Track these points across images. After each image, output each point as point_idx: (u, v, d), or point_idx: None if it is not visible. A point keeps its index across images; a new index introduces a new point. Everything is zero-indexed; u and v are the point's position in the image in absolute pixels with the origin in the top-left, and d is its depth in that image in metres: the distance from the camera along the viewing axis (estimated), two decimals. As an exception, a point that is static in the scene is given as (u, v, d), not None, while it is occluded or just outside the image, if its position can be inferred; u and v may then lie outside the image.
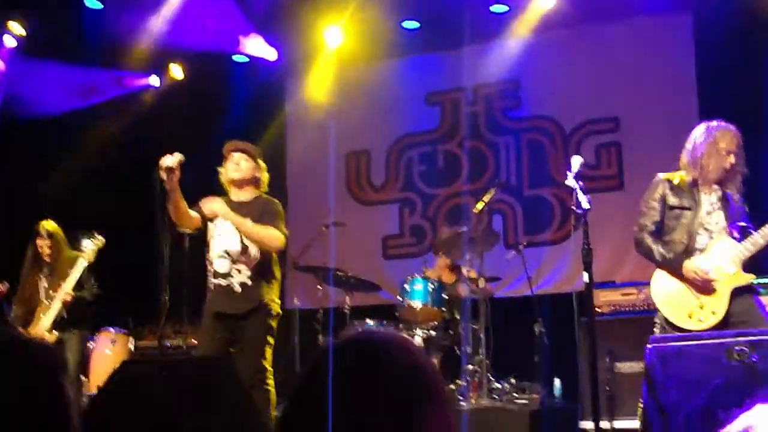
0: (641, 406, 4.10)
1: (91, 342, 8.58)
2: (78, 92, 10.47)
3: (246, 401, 3.75)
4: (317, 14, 9.97)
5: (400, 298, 8.13)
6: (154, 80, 11.20)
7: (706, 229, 5.27)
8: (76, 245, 7.61)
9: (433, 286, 8.06)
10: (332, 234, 8.74)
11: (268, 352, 5.79)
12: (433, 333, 8.07)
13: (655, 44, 9.61)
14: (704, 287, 5.13)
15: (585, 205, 4.52)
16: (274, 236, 5.81)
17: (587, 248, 4.39)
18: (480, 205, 7.98)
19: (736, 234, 5.22)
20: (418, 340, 8.01)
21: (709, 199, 5.33)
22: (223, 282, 5.78)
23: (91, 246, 7.38)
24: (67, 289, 7.26)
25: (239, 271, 5.77)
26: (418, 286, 8.07)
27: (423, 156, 10.71)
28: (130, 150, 9.87)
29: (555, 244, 9.67)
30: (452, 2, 9.67)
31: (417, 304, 8.02)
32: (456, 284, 8.56)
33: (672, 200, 5.34)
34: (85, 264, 7.35)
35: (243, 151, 6.06)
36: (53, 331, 7.31)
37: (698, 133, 5.41)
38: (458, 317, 8.25)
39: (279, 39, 10.62)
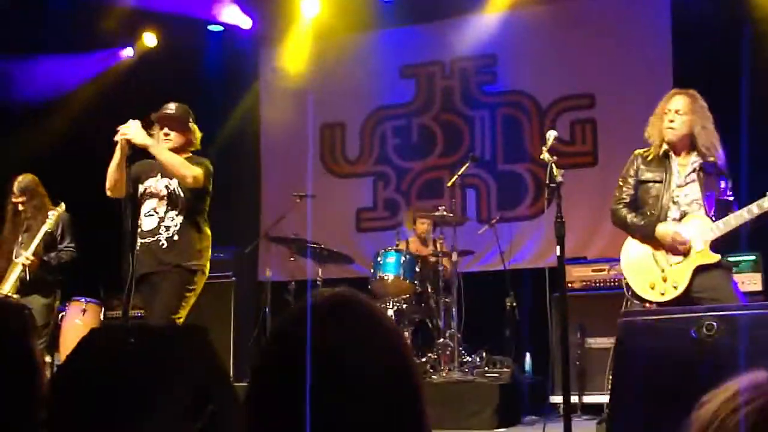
0: (610, 380, 4.11)
1: (62, 311, 8.53)
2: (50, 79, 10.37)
3: (213, 367, 3.73)
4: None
5: (372, 271, 8.13)
6: (127, 52, 11.10)
7: (675, 203, 5.24)
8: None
9: (405, 259, 8.05)
10: (309, 205, 8.70)
11: (182, 311, 5.62)
12: (404, 306, 8.08)
13: (632, 20, 9.61)
14: (676, 250, 5.14)
15: (558, 178, 4.51)
16: (187, 166, 5.62)
17: (560, 221, 4.38)
18: (453, 179, 7.99)
19: (708, 210, 5.21)
20: (389, 313, 8.01)
21: (683, 171, 5.28)
22: (149, 239, 5.66)
23: (52, 213, 7.12)
24: (27, 253, 6.96)
25: (167, 228, 5.65)
26: (391, 259, 8.07)
27: (397, 129, 10.67)
28: (101, 120, 9.75)
29: (528, 219, 9.67)
30: (430, -25, 9.64)
31: (389, 276, 8.03)
32: (428, 260, 8.56)
33: (644, 174, 5.33)
34: (45, 229, 7.05)
35: (171, 119, 5.87)
36: (14, 294, 6.94)
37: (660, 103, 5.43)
38: (430, 290, 8.25)
39: (254, 7, 10.54)
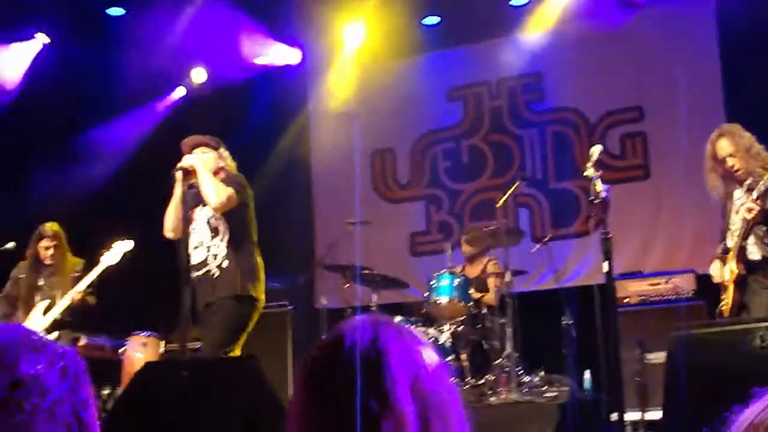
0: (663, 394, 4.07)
1: (123, 346, 8.67)
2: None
3: (264, 397, 3.77)
4: (336, 13, 9.99)
5: (427, 294, 8.12)
6: (180, 92, 11.26)
7: (729, 229, 5.58)
8: (98, 249, 7.57)
9: (458, 281, 8.03)
10: (367, 232, 8.74)
11: (235, 344, 5.62)
12: (460, 328, 8.05)
13: (678, 31, 9.54)
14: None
15: (602, 194, 4.50)
16: (220, 188, 5.65)
17: (606, 238, 4.36)
18: (502, 199, 7.97)
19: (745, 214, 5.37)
20: (445, 336, 8.00)
21: (737, 196, 5.54)
22: (200, 272, 5.69)
23: (116, 248, 7.25)
24: (79, 288, 7.07)
25: (215, 257, 5.70)
26: (444, 282, 8.05)
27: (447, 152, 10.69)
28: (154, 157, 9.92)
29: (582, 236, 9.59)
30: (471, -3, 9.67)
31: (443, 299, 8.01)
32: (483, 278, 8.53)
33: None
34: (107, 264, 7.18)
35: (202, 145, 5.94)
36: (52, 331, 7.02)
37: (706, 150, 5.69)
38: (485, 311, 8.22)
39: (299, 40, 10.66)
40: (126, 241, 7.34)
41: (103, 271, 7.24)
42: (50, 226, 7.46)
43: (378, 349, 1.36)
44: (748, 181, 5.45)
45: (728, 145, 5.46)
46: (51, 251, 7.38)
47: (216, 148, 5.94)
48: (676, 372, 3.77)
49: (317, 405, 1.38)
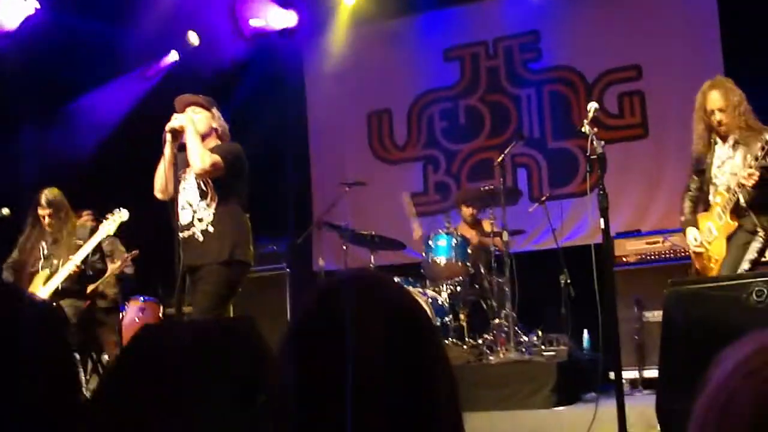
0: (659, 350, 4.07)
1: (122, 311, 8.68)
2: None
3: (262, 357, 3.76)
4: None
5: (424, 255, 8.12)
6: (173, 56, 11.18)
7: (713, 183, 5.54)
8: (98, 216, 7.54)
9: (456, 241, 8.03)
10: (365, 193, 8.75)
11: (224, 308, 5.58)
12: (458, 288, 8.06)
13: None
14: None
15: (599, 150, 4.47)
16: (205, 155, 5.52)
17: (603, 193, 4.33)
18: (500, 158, 7.93)
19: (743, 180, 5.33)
20: (444, 296, 8.01)
21: (723, 150, 5.53)
22: (186, 233, 5.61)
23: (113, 218, 7.20)
24: (77, 260, 6.99)
25: (200, 220, 5.62)
26: (442, 242, 8.05)
27: (444, 112, 10.64)
28: (148, 120, 9.86)
29: (580, 196, 9.54)
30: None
31: (441, 259, 8.01)
32: (479, 242, 8.52)
33: (698, 165, 5.70)
34: (105, 234, 7.16)
35: (195, 104, 5.81)
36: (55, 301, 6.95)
37: (697, 97, 5.65)
38: (483, 271, 8.22)
39: (294, 1, 10.56)
40: (122, 210, 7.27)
41: (101, 242, 7.20)
42: (46, 194, 7.29)
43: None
44: (730, 139, 5.48)
45: (719, 98, 5.44)
46: (47, 219, 7.26)
47: (209, 108, 5.84)
48: (671, 327, 3.76)
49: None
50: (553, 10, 10.06)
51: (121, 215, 7.25)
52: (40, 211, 7.26)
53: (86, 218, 8.41)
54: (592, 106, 4.99)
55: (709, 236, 5.54)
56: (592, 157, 4.55)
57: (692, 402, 1.13)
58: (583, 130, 4.79)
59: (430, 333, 1.44)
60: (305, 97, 11.22)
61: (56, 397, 1.43)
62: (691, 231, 5.68)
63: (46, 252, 7.23)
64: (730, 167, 5.44)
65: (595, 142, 4.51)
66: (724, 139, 5.50)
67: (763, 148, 5.14)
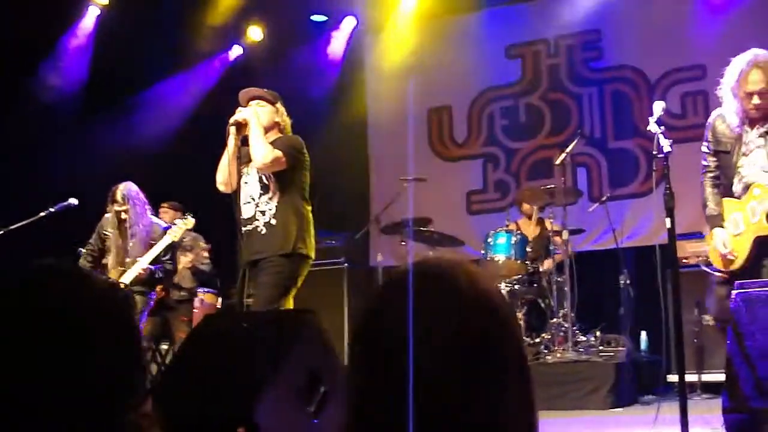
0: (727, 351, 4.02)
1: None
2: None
3: (324, 350, 3.79)
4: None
5: (484, 252, 8.10)
6: (236, 51, 11.31)
7: (739, 173, 5.13)
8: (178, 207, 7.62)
9: (516, 239, 8.00)
10: (424, 189, 8.74)
11: (284, 300, 5.60)
12: (516, 287, 8.04)
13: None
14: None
15: (667, 148, 4.41)
16: (268, 150, 5.55)
17: (669, 193, 4.28)
18: (561, 156, 7.89)
19: None
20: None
21: (752, 137, 5.12)
22: (249, 227, 5.65)
23: (179, 225, 7.30)
24: (144, 264, 7.09)
25: (263, 213, 5.65)
26: (501, 240, 8.03)
27: (505, 110, 10.61)
28: (211, 115, 9.98)
29: (641, 196, 9.47)
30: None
31: (500, 257, 7.99)
32: (540, 240, 8.48)
33: (716, 144, 5.26)
34: (170, 241, 7.22)
35: (259, 98, 5.85)
36: None
37: (732, 69, 5.21)
38: (542, 270, 8.18)
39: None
40: (188, 217, 7.36)
41: (166, 247, 7.28)
42: (121, 188, 7.37)
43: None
44: (762, 127, 5.09)
45: (761, 79, 5.01)
46: (123, 215, 7.33)
47: (273, 103, 5.90)
48: (739, 329, 3.72)
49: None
50: (615, 8, 9.97)
51: (187, 222, 7.34)
52: (116, 207, 7.34)
53: (166, 210, 8.61)
54: (659, 104, 4.93)
55: (734, 229, 5.13)
56: (659, 155, 4.50)
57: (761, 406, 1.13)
58: (649, 128, 4.74)
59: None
60: (366, 92, 11.25)
61: (121, 381, 1.46)
62: (719, 234, 5.17)
63: (120, 246, 7.32)
64: (759, 159, 5.07)
65: (662, 140, 4.46)
66: (753, 124, 5.12)
67: None
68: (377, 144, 11.15)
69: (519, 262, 8.00)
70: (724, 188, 5.24)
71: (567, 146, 8.12)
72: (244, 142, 5.66)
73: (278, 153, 5.59)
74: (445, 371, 1.32)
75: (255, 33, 11.09)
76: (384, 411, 1.33)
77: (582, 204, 8.76)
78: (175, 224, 7.35)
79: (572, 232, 8.03)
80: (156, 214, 7.84)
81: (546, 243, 8.32)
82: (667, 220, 4.14)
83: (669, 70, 9.70)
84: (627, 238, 8.86)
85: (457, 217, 10.36)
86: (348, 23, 11.05)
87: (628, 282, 8.07)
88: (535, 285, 8.17)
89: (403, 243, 8.62)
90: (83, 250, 7.45)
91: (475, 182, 10.63)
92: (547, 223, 8.39)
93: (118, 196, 7.34)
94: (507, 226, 8.25)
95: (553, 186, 8.08)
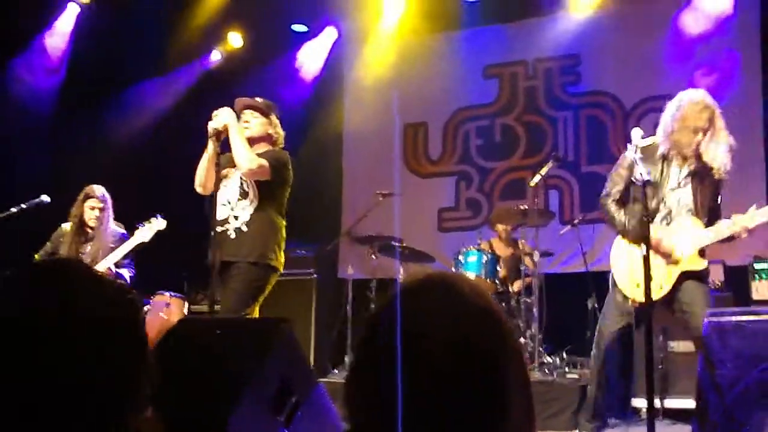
0: (697, 379, 4.05)
1: (147, 305, 8.68)
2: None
3: (297, 360, 3.78)
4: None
5: (454, 270, 8.12)
6: (215, 56, 11.30)
7: (665, 205, 5.26)
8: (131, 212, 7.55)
9: (486, 258, 8.03)
10: (396, 204, 8.72)
11: (251, 308, 5.56)
12: (485, 306, 8.05)
13: (718, 18, 9.43)
14: (662, 254, 5.17)
15: (645, 176, 4.45)
16: (251, 156, 5.52)
17: (645, 220, 4.31)
18: (536, 178, 7.94)
19: (702, 216, 5.19)
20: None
21: (679, 174, 5.25)
22: (220, 228, 5.59)
23: (150, 226, 7.22)
24: (110, 263, 7.01)
25: (236, 218, 5.64)
26: (472, 258, 8.06)
27: (480, 129, 10.67)
28: (187, 120, 9.94)
29: (611, 221, 9.52)
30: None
31: (470, 275, 8.01)
32: (510, 260, 8.52)
33: (638, 172, 5.22)
34: (140, 241, 7.16)
35: (253, 108, 5.85)
36: None
37: (672, 104, 5.34)
38: (511, 290, 8.22)
39: (338, 7, 10.60)
40: (159, 219, 7.28)
41: (135, 247, 7.23)
42: (99, 188, 7.37)
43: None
44: (688, 166, 5.23)
45: (706, 118, 5.14)
46: (96, 213, 7.29)
47: (267, 114, 5.88)
48: (710, 357, 3.76)
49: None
50: (595, 34, 10.06)
51: (158, 223, 7.26)
52: (92, 203, 7.29)
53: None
54: (638, 132, 4.96)
55: (658, 259, 5.16)
56: (636, 183, 4.54)
57: None
58: (626, 154, 4.78)
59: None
60: (343, 105, 11.27)
61: (128, 386, 1.44)
62: (658, 231, 5.18)
63: (83, 251, 7.25)
64: (685, 196, 5.22)
65: (640, 167, 4.49)
66: (684, 161, 5.25)
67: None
68: (352, 156, 11.16)
69: (489, 281, 8.02)
70: (632, 215, 5.35)
71: (541, 168, 8.17)
72: (226, 145, 5.64)
73: (263, 161, 5.57)
74: (454, 378, 1.33)
75: (235, 39, 11.08)
76: (389, 414, 1.33)
77: (552, 226, 8.81)
78: (143, 225, 7.26)
79: (543, 254, 8.08)
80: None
81: (517, 263, 8.35)
82: (643, 247, 4.16)
83: (645, 97, 9.78)
84: (596, 262, 8.92)
85: (428, 233, 10.38)
86: (328, 34, 11.06)
87: (595, 305, 8.11)
88: (504, 304, 8.19)
89: (374, 257, 8.61)
90: (36, 256, 7.40)
91: (447, 200, 10.66)
92: (520, 244, 8.43)
93: (98, 193, 7.31)
94: (479, 244, 8.28)
95: (526, 207, 8.13)
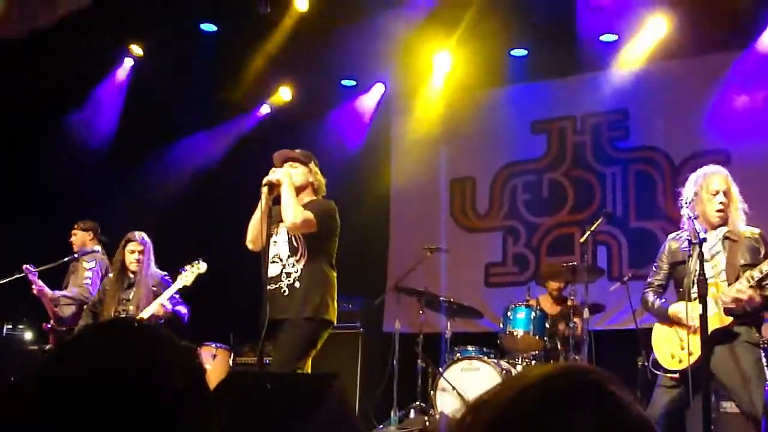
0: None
1: (194, 356, 8.70)
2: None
3: (346, 415, 3.76)
4: (425, 41, 9.98)
5: (502, 326, 8.05)
6: (264, 109, 11.43)
7: (694, 282, 5.11)
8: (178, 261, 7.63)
9: (535, 315, 7.96)
10: (443, 259, 8.68)
11: (303, 362, 5.57)
12: (533, 362, 7.97)
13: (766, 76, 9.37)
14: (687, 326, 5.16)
15: (702, 234, 4.40)
16: (298, 211, 5.55)
17: (703, 278, 4.25)
18: (586, 235, 7.88)
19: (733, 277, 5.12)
20: (518, 369, 7.92)
21: (709, 245, 5.17)
22: (272, 286, 5.64)
23: (192, 269, 7.27)
24: (153, 310, 7.08)
25: (288, 275, 5.66)
26: (521, 314, 7.99)
27: (528, 184, 10.65)
28: (235, 173, 10.01)
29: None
30: (561, 31, 9.58)
31: (519, 332, 7.93)
32: (559, 318, 8.44)
33: (671, 258, 5.40)
34: (182, 285, 7.21)
35: (293, 160, 5.89)
36: None
37: (690, 182, 5.44)
38: (560, 347, 8.13)
39: (388, 63, 10.69)
40: (201, 262, 7.34)
41: (177, 292, 7.29)
42: (140, 233, 7.51)
43: None
44: (720, 231, 5.24)
45: (723, 181, 5.30)
46: (137, 255, 7.39)
47: (306, 164, 5.93)
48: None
49: None
50: (643, 89, 10.03)
51: (200, 267, 7.31)
52: (132, 247, 7.41)
53: (76, 232, 8.69)
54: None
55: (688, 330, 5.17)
56: (694, 241, 4.49)
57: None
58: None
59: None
60: (390, 160, 11.31)
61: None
62: (680, 306, 5.24)
63: (122, 296, 7.32)
64: (720, 263, 5.20)
65: (696, 226, 4.45)
66: (714, 227, 5.26)
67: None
68: (399, 210, 11.18)
69: (537, 337, 7.94)
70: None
71: (589, 224, 8.11)
72: (276, 201, 5.67)
73: (309, 215, 5.59)
74: None
75: (285, 93, 11.19)
76: None
77: (600, 283, 8.72)
78: (184, 270, 7.32)
79: (592, 310, 7.98)
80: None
81: (566, 321, 8.26)
82: (700, 306, 4.10)
83: (693, 153, 9.70)
84: (646, 319, 8.79)
85: (475, 288, 10.32)
86: (377, 90, 11.15)
87: (645, 363, 7.99)
88: (552, 362, 8.09)
89: (421, 312, 8.55)
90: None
91: (494, 255, 10.62)
92: (569, 301, 8.35)
93: (138, 238, 7.45)
94: (527, 300, 8.21)
95: (575, 263, 8.06)
